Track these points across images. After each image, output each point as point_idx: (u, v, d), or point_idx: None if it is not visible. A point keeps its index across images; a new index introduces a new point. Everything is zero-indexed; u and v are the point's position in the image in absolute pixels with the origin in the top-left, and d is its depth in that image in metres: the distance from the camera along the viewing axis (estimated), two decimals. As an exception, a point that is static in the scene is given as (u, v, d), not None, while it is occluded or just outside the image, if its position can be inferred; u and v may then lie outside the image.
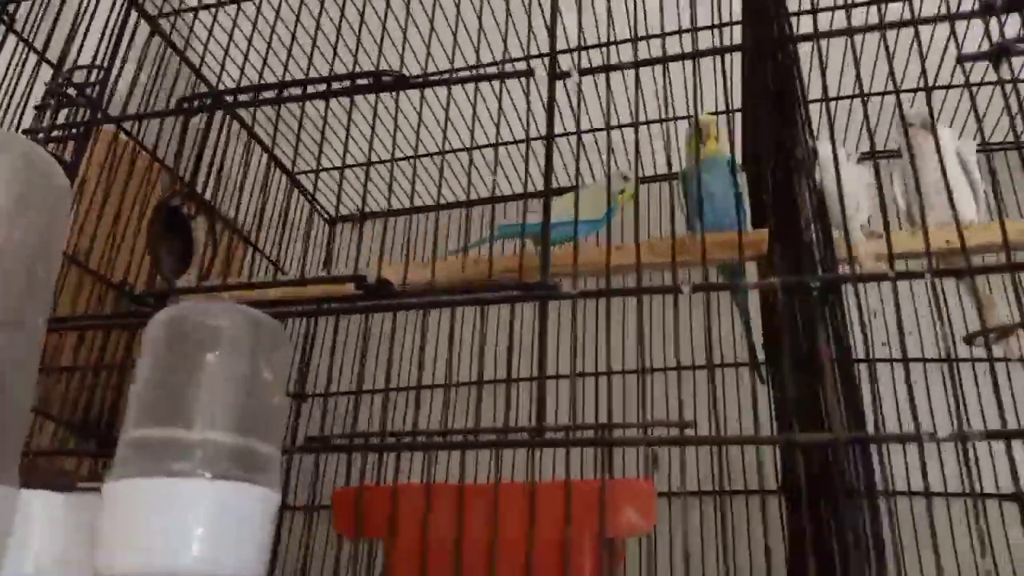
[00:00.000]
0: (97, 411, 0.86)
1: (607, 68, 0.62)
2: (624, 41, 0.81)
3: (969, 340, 0.48)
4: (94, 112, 0.74)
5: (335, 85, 0.67)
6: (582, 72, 0.62)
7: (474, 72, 0.65)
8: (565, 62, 0.63)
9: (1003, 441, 0.44)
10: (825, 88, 0.56)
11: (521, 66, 0.65)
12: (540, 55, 0.73)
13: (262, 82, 0.68)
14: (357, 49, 0.70)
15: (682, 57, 0.60)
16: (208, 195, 0.84)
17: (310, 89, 0.68)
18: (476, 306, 0.56)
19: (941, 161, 0.56)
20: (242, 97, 0.69)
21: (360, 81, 0.66)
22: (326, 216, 1.60)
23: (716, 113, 1.14)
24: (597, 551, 0.47)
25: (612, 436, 0.49)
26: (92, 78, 0.75)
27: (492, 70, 0.66)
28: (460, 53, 0.70)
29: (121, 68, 0.78)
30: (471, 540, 0.49)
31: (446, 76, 0.65)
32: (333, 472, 0.65)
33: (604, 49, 0.90)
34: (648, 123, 0.99)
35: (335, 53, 0.72)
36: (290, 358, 0.53)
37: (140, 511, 0.46)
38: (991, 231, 0.85)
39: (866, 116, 0.61)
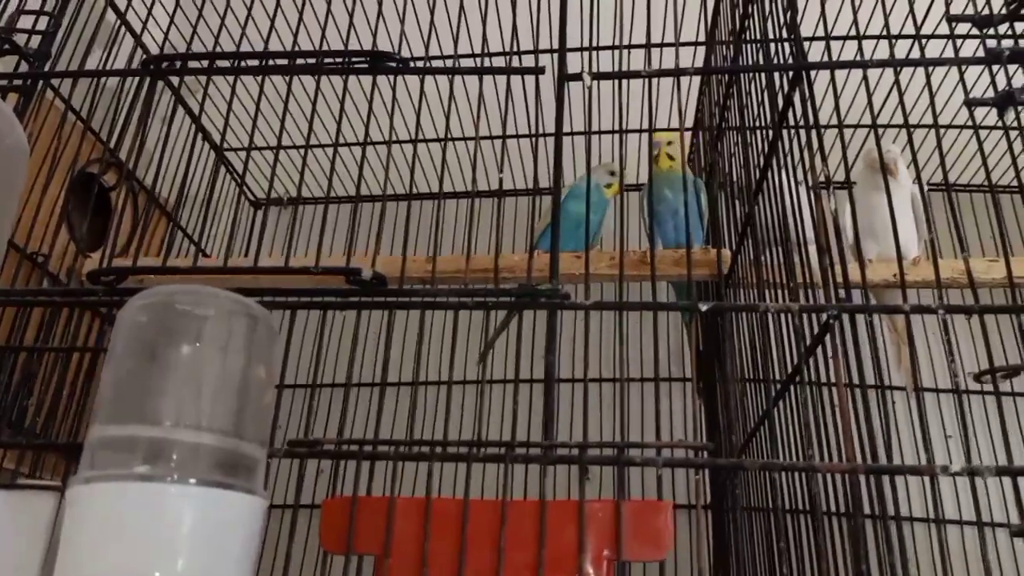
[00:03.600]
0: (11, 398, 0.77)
1: (619, 75, 0.60)
2: (636, 46, 0.79)
3: (978, 378, 0.49)
4: (41, 63, 0.66)
5: (327, 61, 0.63)
6: (594, 76, 0.61)
7: (480, 64, 0.62)
8: (574, 63, 0.61)
9: (1011, 478, 0.45)
10: (840, 117, 0.57)
11: (528, 61, 0.62)
12: (548, 50, 0.70)
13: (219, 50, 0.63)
14: (350, 25, 0.65)
15: (695, 72, 0.59)
16: (133, 166, 0.77)
17: (299, 62, 0.63)
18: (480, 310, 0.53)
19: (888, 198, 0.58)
20: (220, 63, 0.63)
21: (356, 61, 0.62)
22: (252, 198, 1.52)
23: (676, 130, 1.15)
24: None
25: (628, 455, 0.47)
26: (40, 26, 0.67)
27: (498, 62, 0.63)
28: (442, 40, 0.67)
29: (73, 20, 0.70)
30: (473, 561, 0.46)
31: (449, 65, 0.62)
32: (316, 477, 0.60)
33: (615, 53, 0.89)
34: (660, 130, 0.98)
35: (324, 27, 0.67)
36: (281, 353, 0.49)
37: (112, 519, 0.41)
38: (945, 268, 0.90)
39: (843, 146, 0.62)
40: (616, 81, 0.62)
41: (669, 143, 0.93)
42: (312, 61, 0.62)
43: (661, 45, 0.97)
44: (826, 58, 0.59)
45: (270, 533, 0.88)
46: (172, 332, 0.45)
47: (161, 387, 0.43)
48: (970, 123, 0.58)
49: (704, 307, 0.51)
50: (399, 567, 0.46)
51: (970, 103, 0.57)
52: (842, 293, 0.51)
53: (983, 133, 0.57)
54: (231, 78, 0.65)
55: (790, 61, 0.60)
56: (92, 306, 0.57)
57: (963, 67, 0.57)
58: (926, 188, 1.04)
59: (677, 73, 0.60)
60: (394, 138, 1.25)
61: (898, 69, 0.57)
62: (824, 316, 0.51)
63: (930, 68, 0.58)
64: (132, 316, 0.46)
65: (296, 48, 0.62)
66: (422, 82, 0.62)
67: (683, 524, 0.95)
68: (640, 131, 1.02)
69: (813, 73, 0.58)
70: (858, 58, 0.60)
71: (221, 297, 0.47)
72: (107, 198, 1.12)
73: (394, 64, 0.60)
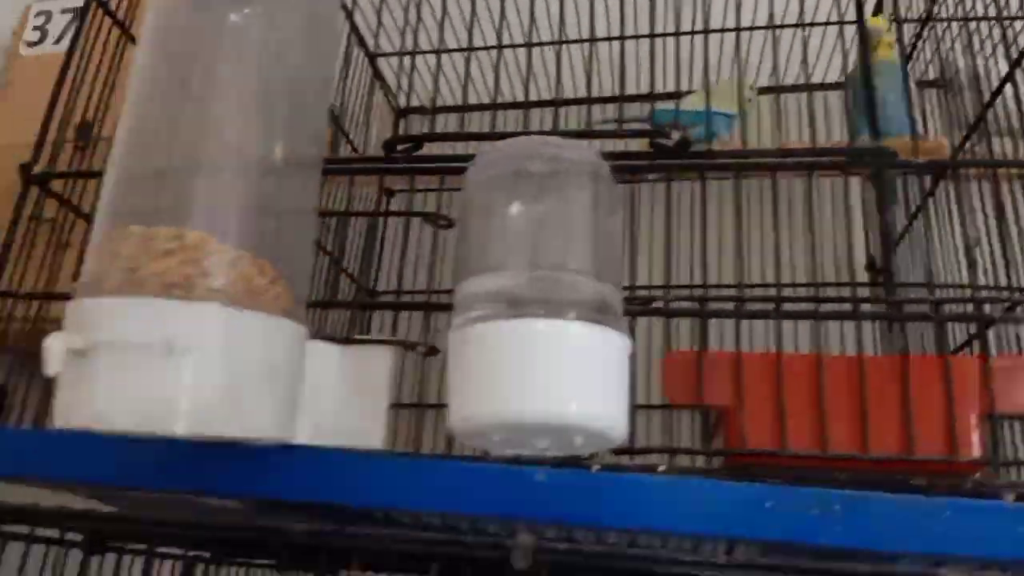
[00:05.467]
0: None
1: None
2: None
3: None
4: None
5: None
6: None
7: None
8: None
9: None
10: None
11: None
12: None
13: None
14: None
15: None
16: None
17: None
18: (798, 175, 0.52)
19: None
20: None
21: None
22: (395, 105, 1.50)
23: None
24: (982, 429, 0.45)
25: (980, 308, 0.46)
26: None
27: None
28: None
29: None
30: (829, 417, 0.46)
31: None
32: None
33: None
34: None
35: None
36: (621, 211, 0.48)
37: (510, 354, 0.40)
38: None
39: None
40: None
41: (888, 29, 0.88)
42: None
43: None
44: None
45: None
46: (548, 181, 0.44)
47: (548, 235, 0.43)
48: None
49: None
50: (754, 419, 0.46)
51: None
52: None
53: None
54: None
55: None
56: (397, 172, 0.57)
57: None
58: None
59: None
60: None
61: None
62: None
63: None
64: (488, 171, 0.46)
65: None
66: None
67: None
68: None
69: None
70: None
71: (569, 147, 0.46)
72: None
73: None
